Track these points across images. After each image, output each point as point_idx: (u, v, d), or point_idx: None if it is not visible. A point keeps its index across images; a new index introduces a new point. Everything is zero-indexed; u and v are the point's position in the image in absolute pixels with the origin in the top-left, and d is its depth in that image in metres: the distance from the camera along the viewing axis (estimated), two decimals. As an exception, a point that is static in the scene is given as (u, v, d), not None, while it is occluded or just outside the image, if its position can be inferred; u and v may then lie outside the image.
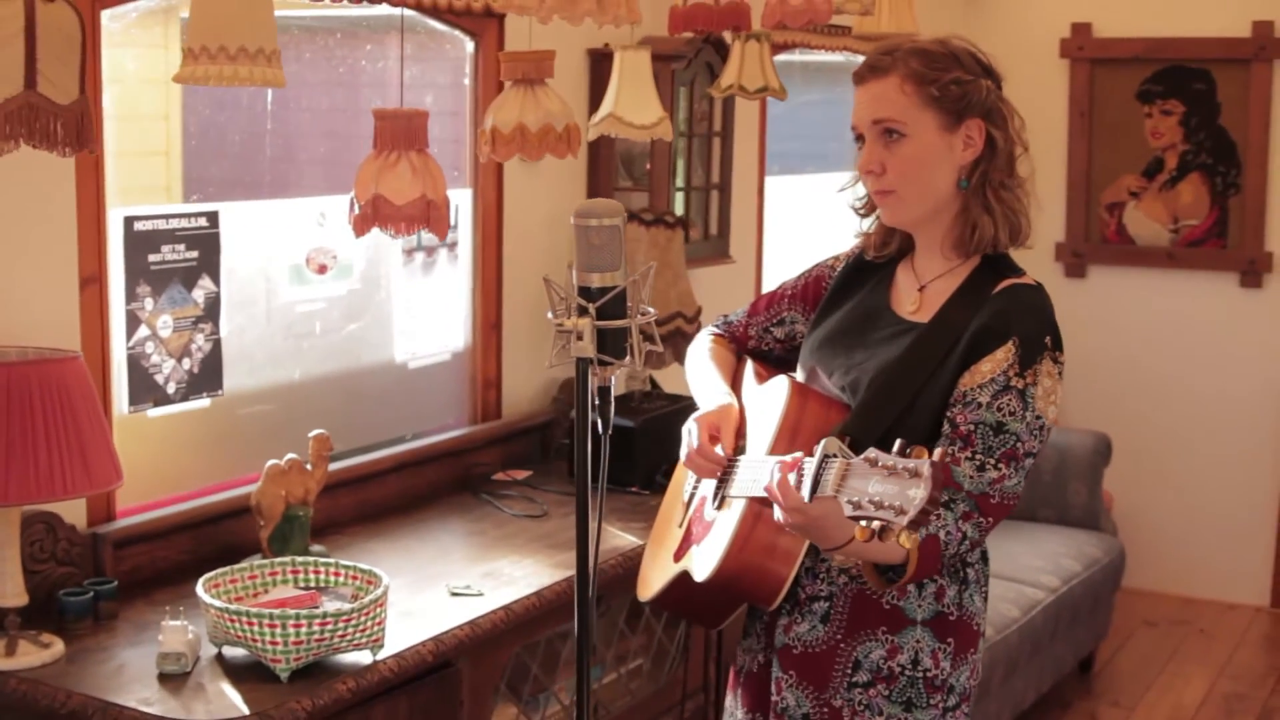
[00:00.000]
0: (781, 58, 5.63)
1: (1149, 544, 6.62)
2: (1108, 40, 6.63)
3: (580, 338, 2.34)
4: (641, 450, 4.05)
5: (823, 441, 2.20)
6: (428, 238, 4.03)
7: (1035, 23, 6.79)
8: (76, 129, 2.07)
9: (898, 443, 2.12)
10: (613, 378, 2.39)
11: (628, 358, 2.38)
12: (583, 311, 2.34)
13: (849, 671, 2.53)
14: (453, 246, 4.16)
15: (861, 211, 2.70)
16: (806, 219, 5.81)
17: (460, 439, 4.11)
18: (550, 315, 2.36)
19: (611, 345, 2.36)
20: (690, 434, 2.64)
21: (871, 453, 2.11)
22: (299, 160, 3.77)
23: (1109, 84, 6.65)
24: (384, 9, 3.71)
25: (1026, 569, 5.16)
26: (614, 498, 4.00)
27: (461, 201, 4.18)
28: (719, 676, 3.87)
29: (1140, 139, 6.61)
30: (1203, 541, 6.63)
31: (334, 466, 3.67)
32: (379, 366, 4.00)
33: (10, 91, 1.98)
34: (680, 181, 4.75)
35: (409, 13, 3.86)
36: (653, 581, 2.81)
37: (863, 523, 2.07)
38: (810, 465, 2.21)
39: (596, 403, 2.39)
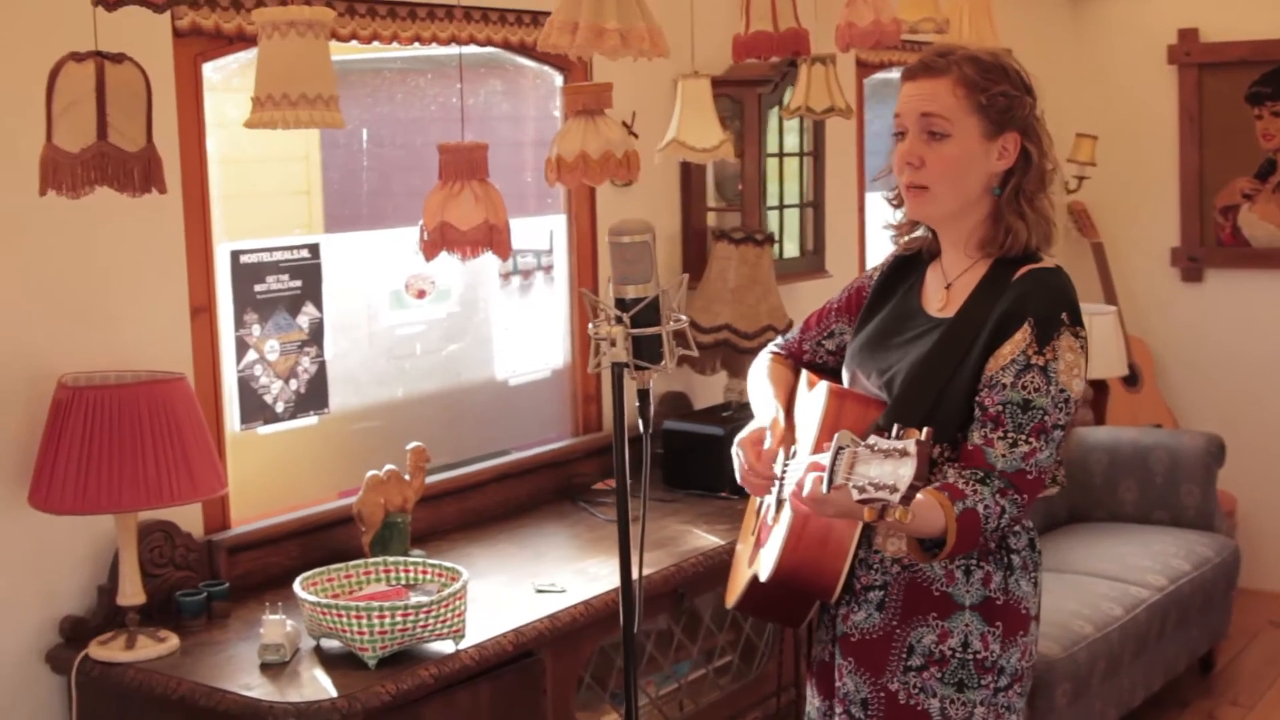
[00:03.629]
0: (880, 76, 5.81)
1: (1274, 545, 6.61)
2: (1215, 44, 6.67)
3: (614, 344, 2.54)
4: (730, 458, 4.24)
5: (836, 435, 2.37)
6: (523, 262, 4.29)
7: (1142, 30, 6.85)
8: (144, 173, 2.37)
9: (894, 427, 2.30)
10: (651, 381, 2.58)
11: (663, 362, 2.58)
12: (618, 321, 2.53)
13: (904, 656, 2.67)
14: (549, 269, 4.42)
15: (894, 203, 2.84)
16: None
17: (560, 451, 4.36)
18: (590, 326, 2.56)
19: (647, 351, 2.55)
20: (738, 457, 2.82)
21: (871, 439, 2.29)
22: (395, 193, 4.05)
23: (1218, 88, 6.68)
24: (472, 48, 3.99)
25: (1133, 569, 5.22)
26: (703, 502, 4.22)
27: (556, 226, 4.43)
28: (809, 672, 4.05)
29: (1251, 141, 6.63)
30: (1329, 542, 6.61)
31: (437, 477, 3.95)
32: (480, 384, 4.26)
33: (85, 142, 2.28)
34: (772, 200, 4.94)
35: (499, 51, 4.13)
36: (735, 588, 3.00)
37: (869, 504, 2.25)
38: (828, 459, 2.38)
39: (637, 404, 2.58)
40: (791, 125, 4.99)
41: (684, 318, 2.59)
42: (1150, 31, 6.83)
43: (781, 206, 5.02)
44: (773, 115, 4.89)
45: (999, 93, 2.63)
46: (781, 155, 4.99)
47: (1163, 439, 5.85)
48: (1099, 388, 6.49)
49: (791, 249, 5.10)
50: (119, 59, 2.38)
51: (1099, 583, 5.07)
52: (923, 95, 2.65)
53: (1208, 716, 5.44)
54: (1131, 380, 6.72)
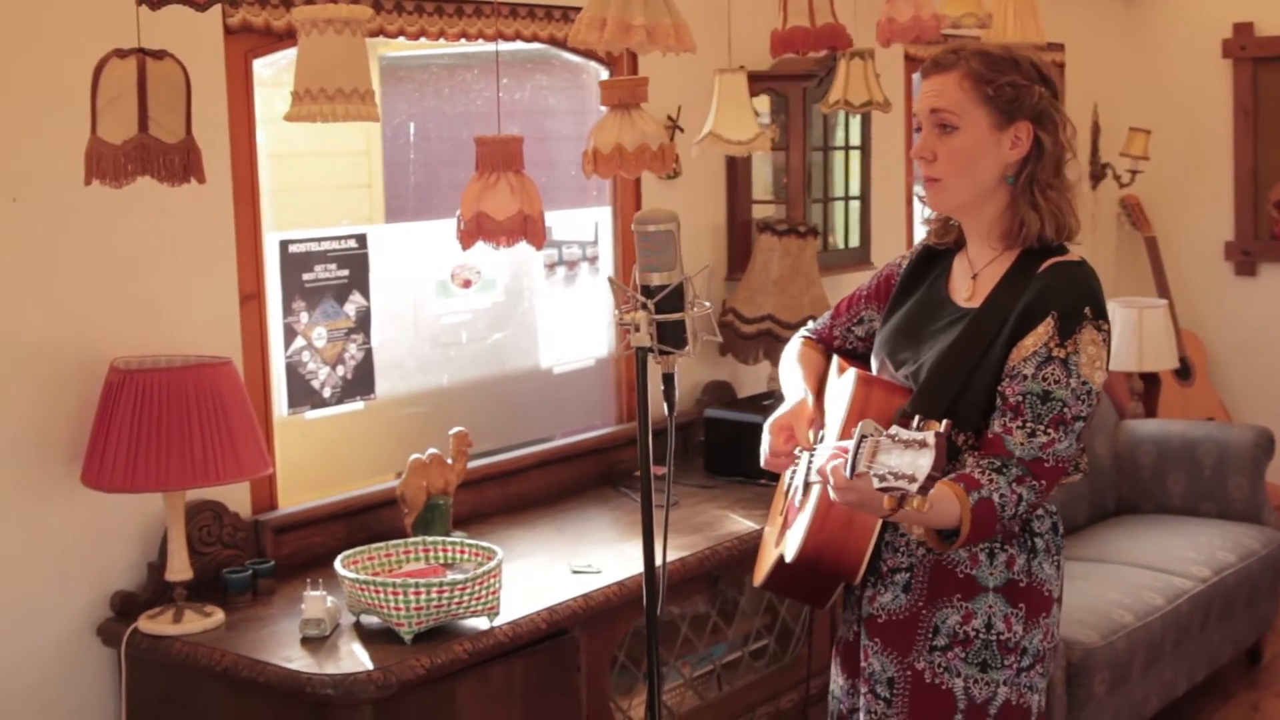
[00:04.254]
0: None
1: (1326, 539, 6.58)
2: (1270, 38, 6.66)
3: (638, 329, 2.62)
4: (767, 444, 4.33)
5: (860, 424, 2.44)
6: (569, 253, 4.39)
7: (1196, 24, 6.85)
8: (184, 163, 2.48)
9: (916, 418, 2.36)
10: (676, 365, 2.66)
11: (687, 347, 2.66)
12: (642, 307, 2.62)
13: (929, 636, 2.72)
14: (594, 260, 4.51)
15: (924, 199, 2.92)
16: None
17: (603, 438, 4.46)
18: (615, 312, 2.64)
19: (672, 336, 2.63)
20: (766, 439, 2.89)
21: (893, 429, 2.35)
22: (442, 185, 4.15)
23: (1273, 81, 6.67)
24: (518, 44, 4.09)
25: (1177, 560, 5.24)
26: (743, 488, 4.30)
27: (601, 218, 4.52)
28: (844, 656, 4.12)
29: (1306, 135, 6.63)
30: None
31: (481, 462, 4.05)
32: (525, 372, 4.36)
33: (127, 134, 2.40)
34: (817, 193, 5.01)
35: (546, 47, 4.23)
36: (762, 567, 3.07)
37: (889, 493, 2.32)
38: (851, 446, 2.45)
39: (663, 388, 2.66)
40: (846, 119, 5.06)
41: (708, 304, 2.67)
42: (1205, 25, 6.83)
43: (826, 199, 5.09)
44: (814, 110, 4.96)
45: (1006, 83, 2.68)
46: (826, 149, 5.06)
47: (1212, 432, 5.86)
48: (1150, 380, 6.51)
49: (839, 240, 5.17)
50: (160, 55, 2.50)
51: (1141, 573, 5.09)
52: (934, 91, 2.73)
53: (1253, 708, 5.45)
54: (1184, 373, 6.73)
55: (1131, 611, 4.77)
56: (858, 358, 3.04)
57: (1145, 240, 6.92)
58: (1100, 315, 2.65)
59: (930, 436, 2.29)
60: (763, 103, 4.93)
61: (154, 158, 2.43)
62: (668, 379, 2.68)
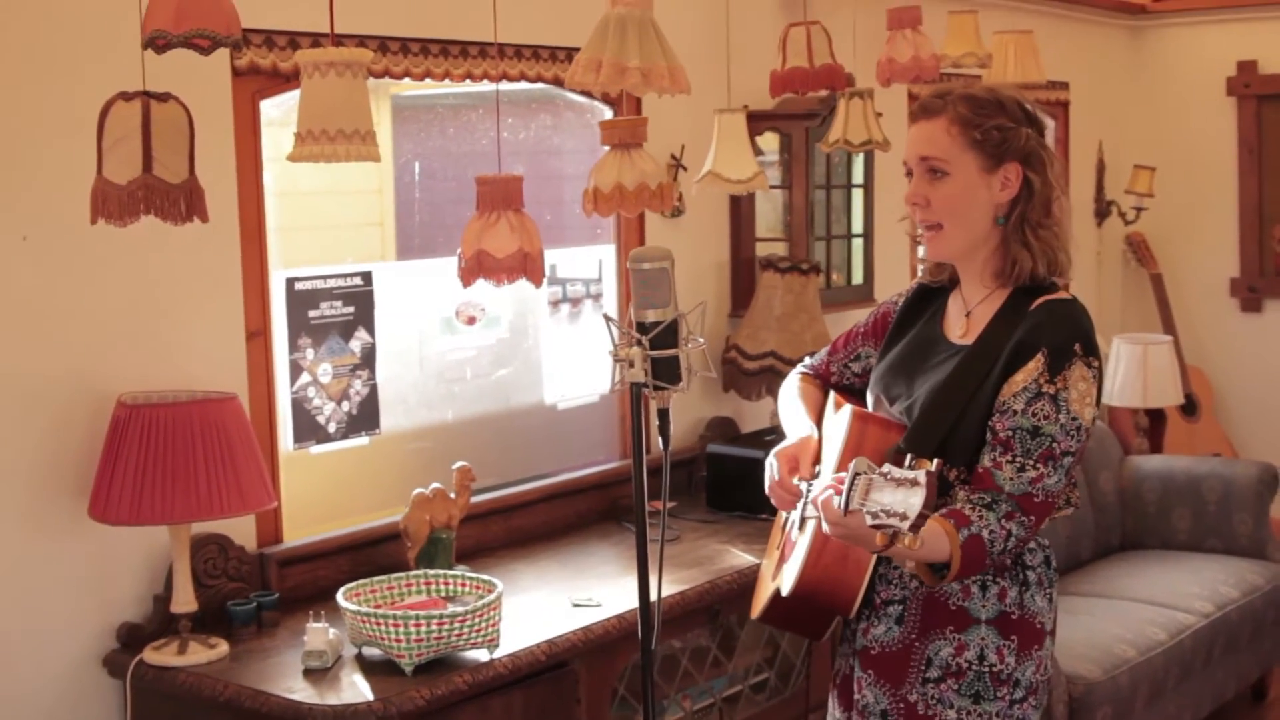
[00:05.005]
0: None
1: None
2: (1274, 76, 6.72)
3: (632, 365, 2.67)
4: (770, 478, 4.37)
5: (853, 461, 2.49)
6: (572, 290, 4.44)
7: (1201, 62, 6.91)
8: (186, 203, 2.55)
9: (908, 457, 2.41)
10: (670, 401, 2.71)
11: (681, 383, 2.70)
12: (637, 343, 2.66)
13: (922, 668, 2.75)
14: (598, 297, 4.57)
15: (918, 241, 2.95)
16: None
17: (607, 473, 4.50)
18: (610, 348, 2.69)
19: (666, 372, 2.68)
20: (771, 468, 2.92)
21: (886, 467, 2.40)
22: (447, 224, 4.22)
23: (1277, 119, 6.73)
24: (522, 85, 4.16)
25: (1180, 595, 5.26)
26: (744, 523, 4.34)
27: (605, 256, 4.58)
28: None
29: (1311, 172, 6.67)
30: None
31: (485, 497, 4.10)
32: (529, 408, 4.41)
33: (132, 175, 2.47)
34: (820, 231, 5.07)
35: (549, 88, 4.30)
36: (759, 600, 3.11)
37: (881, 530, 2.37)
38: (845, 484, 2.50)
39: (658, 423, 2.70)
40: (849, 157, 5.12)
41: (702, 340, 2.71)
42: (1209, 63, 6.89)
43: (829, 237, 5.15)
44: (816, 150, 5.01)
45: (993, 126, 2.72)
46: (829, 187, 5.12)
47: (1216, 468, 5.88)
48: (1156, 417, 6.53)
49: (842, 278, 5.22)
50: (164, 98, 2.57)
51: (1145, 608, 5.11)
52: (922, 137, 2.76)
53: (1258, 744, 5.47)
54: (1189, 410, 6.75)
55: (1134, 646, 4.79)
56: (854, 393, 3.08)
57: (1151, 277, 6.96)
58: (1090, 352, 2.69)
59: (922, 475, 2.34)
60: (770, 141, 5.00)
61: (158, 198, 2.50)
62: (663, 414, 2.73)
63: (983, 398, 2.69)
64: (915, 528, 2.31)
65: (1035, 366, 2.65)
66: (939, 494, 2.45)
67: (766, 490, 2.94)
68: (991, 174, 2.74)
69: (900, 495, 2.34)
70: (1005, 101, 2.77)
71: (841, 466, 2.76)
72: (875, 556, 2.74)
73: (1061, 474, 2.65)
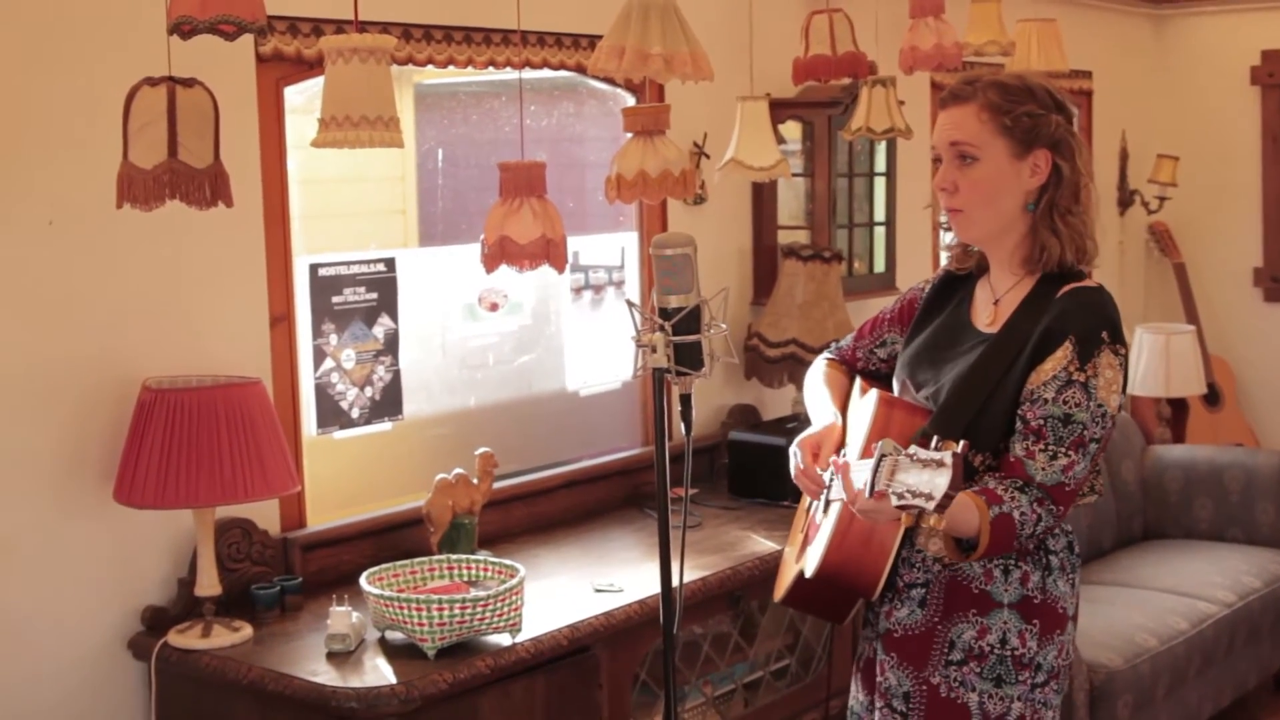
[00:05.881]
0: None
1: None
2: (1298, 66, 6.70)
3: (654, 351, 2.68)
4: (793, 467, 4.38)
5: (879, 443, 2.50)
6: (595, 277, 4.46)
7: (1225, 51, 6.89)
8: (211, 188, 2.56)
9: (934, 439, 2.42)
10: (693, 386, 2.72)
11: (704, 368, 2.71)
12: (660, 329, 2.67)
13: (945, 651, 2.77)
14: (620, 284, 4.58)
15: (945, 227, 2.96)
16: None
17: (629, 459, 4.52)
18: (633, 333, 2.70)
19: (688, 358, 2.69)
20: (795, 456, 2.94)
21: (912, 449, 2.41)
22: (470, 211, 4.23)
23: (1301, 109, 6.71)
24: (546, 72, 4.17)
25: (1202, 584, 5.25)
26: (766, 510, 4.35)
27: (628, 243, 4.59)
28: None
29: (1335, 161, 6.65)
30: None
31: (508, 483, 4.12)
32: (552, 394, 4.43)
33: (157, 159, 2.49)
34: (842, 219, 5.07)
35: (575, 75, 4.31)
36: (783, 583, 3.12)
37: (906, 510, 2.38)
38: (870, 465, 2.51)
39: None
40: (871, 145, 5.12)
41: (724, 326, 2.72)
42: (1233, 53, 6.86)
43: (852, 225, 5.15)
44: (839, 137, 5.01)
45: (1023, 113, 2.73)
46: (852, 175, 5.12)
47: (1239, 457, 5.87)
48: (1179, 406, 6.52)
49: (865, 266, 5.23)
50: (189, 83, 2.58)
51: (1166, 598, 5.11)
52: (952, 123, 2.77)
53: (1280, 735, 5.45)
54: (1212, 399, 6.74)
55: (1155, 635, 4.79)
56: (879, 379, 3.08)
57: (1174, 266, 6.94)
58: (1117, 339, 2.70)
59: (948, 457, 2.35)
60: (793, 129, 5.00)
61: (183, 182, 2.52)
62: (685, 400, 2.74)
63: (1009, 384, 2.71)
64: (940, 508, 2.33)
65: (1064, 354, 2.66)
66: (965, 478, 2.47)
67: (793, 478, 2.95)
68: (1021, 160, 2.75)
69: (926, 476, 2.35)
70: (1035, 89, 2.78)
71: (867, 450, 2.77)
72: (899, 539, 2.75)
73: (1088, 461, 2.67)
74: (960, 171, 2.76)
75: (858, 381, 3.10)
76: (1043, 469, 2.63)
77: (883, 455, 2.45)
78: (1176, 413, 6.50)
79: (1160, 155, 6.81)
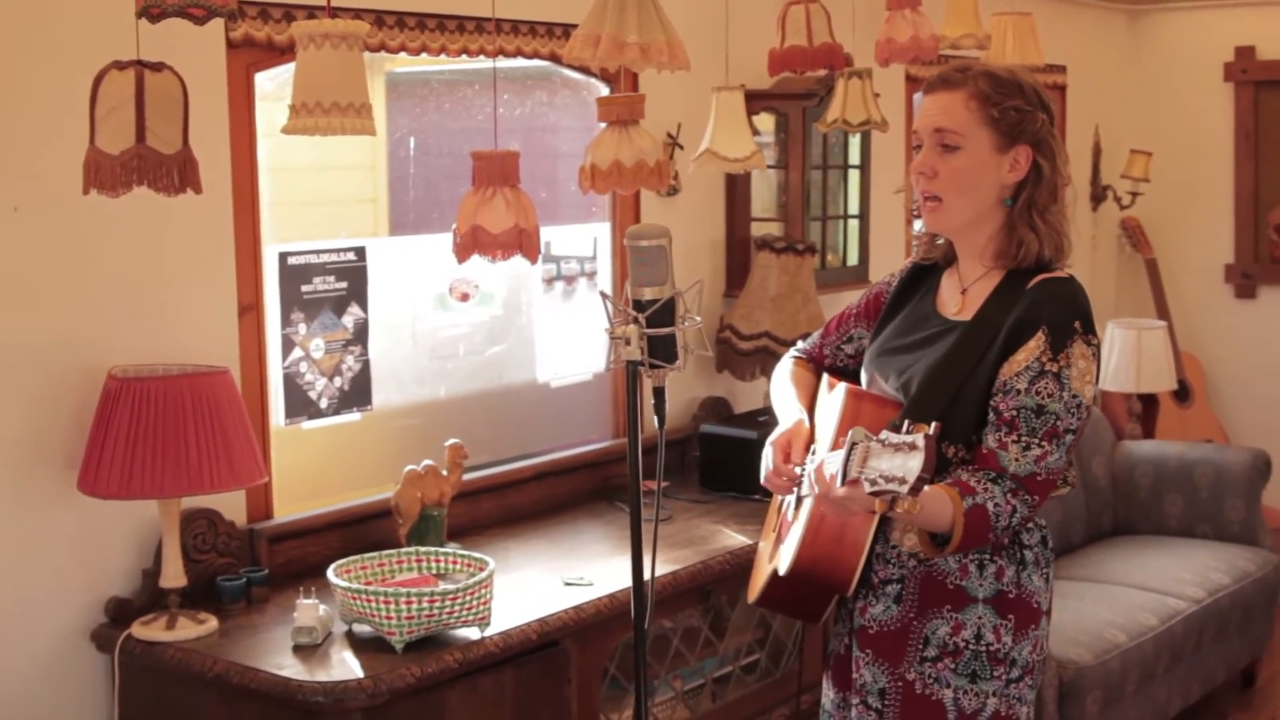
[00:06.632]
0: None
1: (1323, 562, 6.60)
2: (1271, 62, 6.70)
3: (628, 343, 2.65)
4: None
5: (850, 431, 2.47)
6: (567, 268, 4.42)
7: (1199, 47, 6.89)
8: (180, 174, 2.52)
9: (905, 424, 2.39)
10: (666, 379, 2.69)
11: (678, 361, 2.68)
12: (633, 321, 2.64)
13: (920, 647, 2.75)
14: (592, 275, 4.54)
15: (916, 215, 2.94)
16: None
17: (599, 452, 4.48)
18: (606, 326, 2.67)
19: (662, 351, 2.66)
20: (766, 457, 2.91)
21: (883, 434, 2.39)
22: (442, 200, 4.19)
23: (1274, 105, 6.72)
24: (519, 61, 4.13)
25: (1172, 580, 5.26)
26: (737, 504, 4.33)
27: (600, 233, 4.56)
28: (836, 671, 4.14)
29: (1306, 159, 6.66)
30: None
31: (477, 475, 4.08)
32: (522, 386, 4.40)
33: (124, 145, 2.45)
34: (816, 211, 5.05)
35: (547, 64, 4.27)
36: (756, 584, 3.10)
37: (880, 497, 2.35)
38: (842, 454, 2.48)
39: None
40: (846, 138, 5.10)
41: (698, 319, 2.69)
42: (1207, 49, 6.87)
43: (825, 218, 5.13)
44: (813, 130, 4.99)
45: (1011, 107, 2.71)
46: (826, 168, 5.10)
47: (1209, 454, 5.88)
48: (1149, 402, 6.52)
49: (838, 259, 5.21)
50: (158, 67, 2.54)
51: (1135, 593, 5.11)
52: (939, 108, 2.75)
53: (1247, 730, 5.47)
54: (1183, 395, 6.74)
55: (1124, 631, 4.79)
56: (847, 375, 3.06)
57: (1145, 262, 6.95)
58: (1089, 330, 2.69)
59: (920, 439, 2.32)
60: (766, 121, 4.97)
61: (151, 168, 2.47)
62: (658, 393, 2.72)
63: (981, 375, 2.69)
64: (914, 491, 2.30)
65: (1036, 345, 2.65)
66: (937, 472, 2.44)
67: (763, 481, 2.92)
68: (1003, 154, 2.73)
69: (899, 460, 2.32)
70: (1024, 85, 2.76)
71: (836, 444, 2.74)
72: (872, 534, 2.73)
73: (1063, 452, 2.66)
74: (941, 158, 2.74)
75: (825, 377, 3.08)
76: (1016, 460, 2.62)
77: (854, 443, 2.43)
78: (1147, 408, 6.51)
79: (1133, 150, 6.81)
